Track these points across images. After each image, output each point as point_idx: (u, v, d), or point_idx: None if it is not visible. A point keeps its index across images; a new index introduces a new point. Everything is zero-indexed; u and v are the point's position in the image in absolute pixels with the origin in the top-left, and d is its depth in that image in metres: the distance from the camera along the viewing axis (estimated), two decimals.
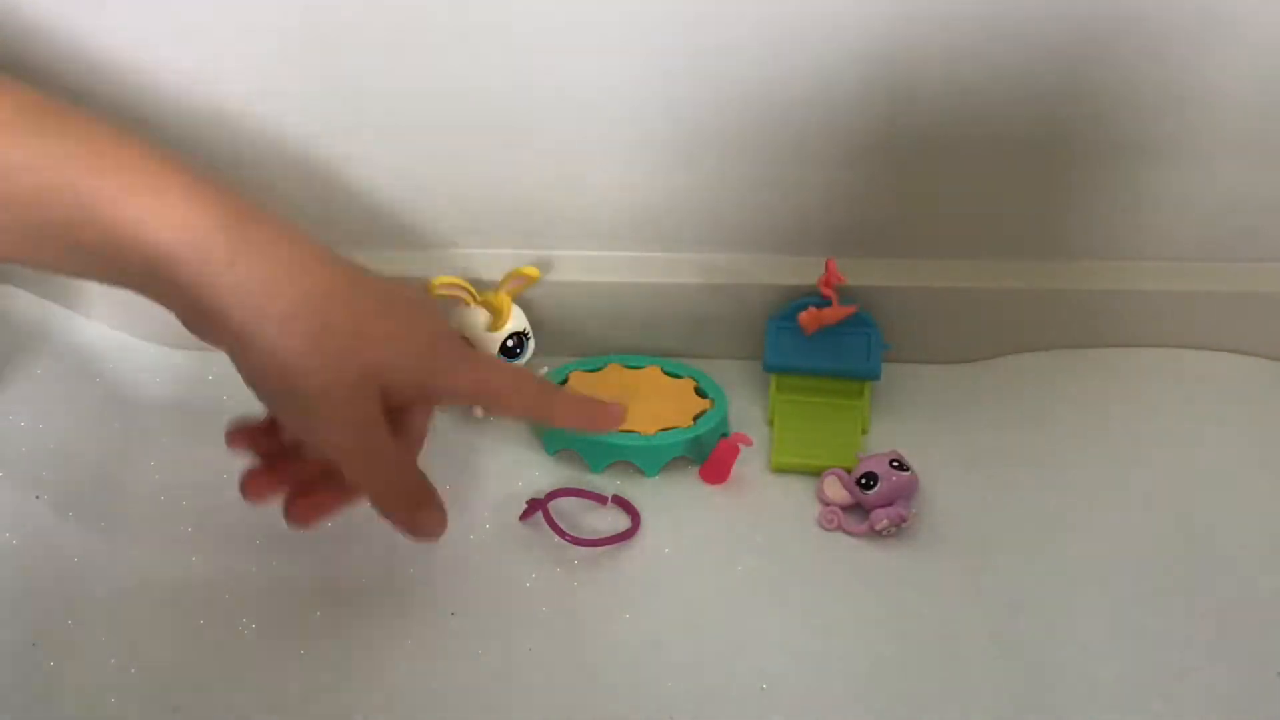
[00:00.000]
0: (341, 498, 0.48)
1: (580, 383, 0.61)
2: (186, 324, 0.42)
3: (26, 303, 0.63)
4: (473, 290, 0.58)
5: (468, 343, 0.52)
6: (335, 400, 0.42)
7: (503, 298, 0.58)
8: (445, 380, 0.46)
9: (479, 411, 0.61)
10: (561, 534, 0.54)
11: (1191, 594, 0.52)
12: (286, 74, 0.54)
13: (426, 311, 0.47)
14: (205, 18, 0.52)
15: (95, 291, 0.63)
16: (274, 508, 0.56)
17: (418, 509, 0.47)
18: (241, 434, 0.49)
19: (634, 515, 0.56)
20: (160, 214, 0.39)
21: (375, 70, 0.54)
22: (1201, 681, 0.49)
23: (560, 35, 0.52)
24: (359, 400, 0.43)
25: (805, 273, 0.60)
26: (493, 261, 0.61)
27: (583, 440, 0.57)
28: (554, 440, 0.59)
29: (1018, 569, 0.54)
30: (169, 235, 0.39)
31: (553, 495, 0.56)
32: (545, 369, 0.61)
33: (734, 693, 0.49)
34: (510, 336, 0.59)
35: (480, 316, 0.58)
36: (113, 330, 0.64)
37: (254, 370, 0.42)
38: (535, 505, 0.55)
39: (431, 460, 0.59)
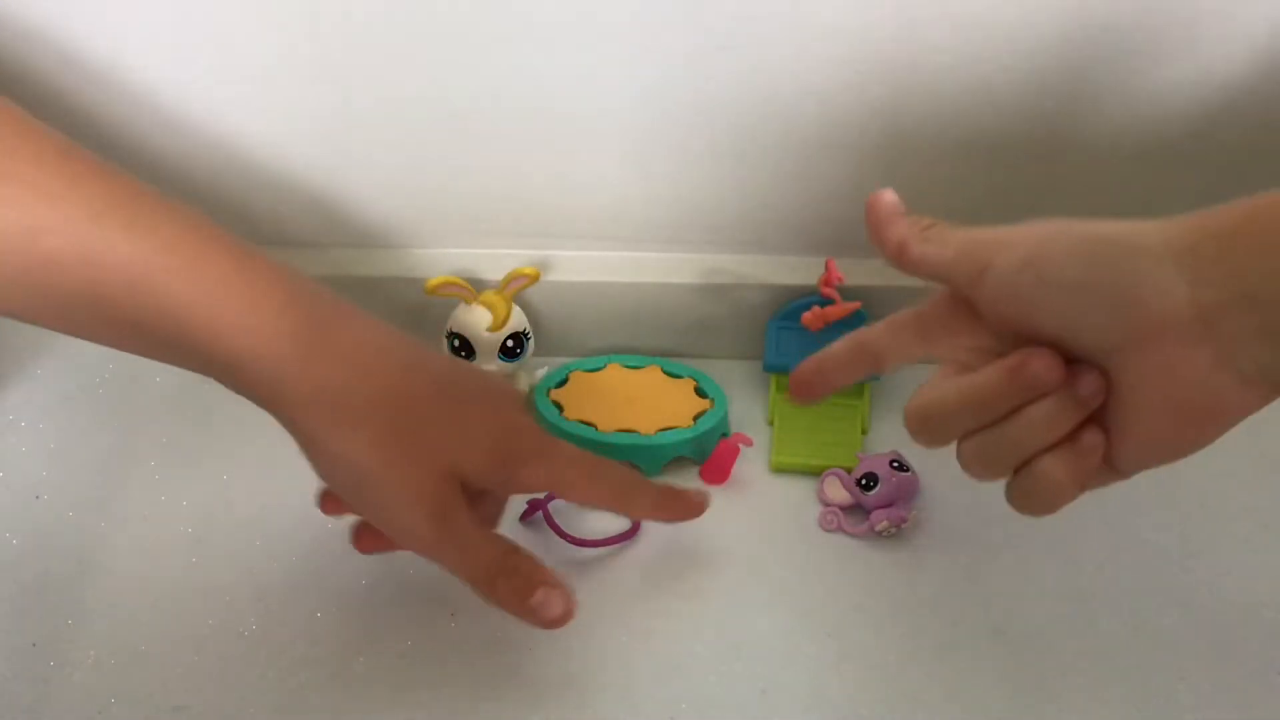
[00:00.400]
0: None
1: (580, 383, 0.61)
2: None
3: None
4: (472, 290, 0.58)
5: (544, 431, 0.48)
6: (407, 500, 0.42)
7: (503, 298, 0.58)
8: (520, 475, 0.45)
9: None
10: (562, 535, 0.54)
11: (1192, 593, 0.52)
12: (289, 75, 0.54)
13: (501, 403, 0.46)
14: (206, 18, 0.52)
15: None
16: (276, 507, 0.57)
17: (523, 589, 0.45)
18: (330, 499, 0.48)
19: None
20: (237, 320, 0.40)
21: (376, 71, 0.54)
22: (1202, 681, 0.49)
23: (561, 36, 0.52)
24: (432, 496, 0.43)
25: (805, 273, 0.60)
26: (493, 261, 0.61)
27: (583, 440, 0.57)
28: None
29: (1018, 569, 0.54)
30: (244, 340, 0.40)
31: (553, 496, 0.56)
32: (544, 368, 0.61)
33: (734, 693, 0.49)
34: (510, 336, 0.59)
35: (480, 316, 0.58)
36: None
37: (326, 470, 0.43)
38: (536, 506, 0.55)
39: None
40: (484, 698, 0.49)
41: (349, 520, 0.56)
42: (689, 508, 0.50)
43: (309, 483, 0.58)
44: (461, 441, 0.43)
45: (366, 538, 0.49)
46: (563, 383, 0.61)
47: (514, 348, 0.59)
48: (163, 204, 0.41)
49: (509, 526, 0.56)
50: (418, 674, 0.50)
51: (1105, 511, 0.56)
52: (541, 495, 0.56)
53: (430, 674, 0.50)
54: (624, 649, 0.51)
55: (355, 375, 0.41)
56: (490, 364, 0.59)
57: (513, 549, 0.45)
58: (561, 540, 0.54)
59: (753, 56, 0.52)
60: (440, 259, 0.61)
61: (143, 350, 0.42)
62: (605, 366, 0.62)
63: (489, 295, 0.58)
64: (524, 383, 0.61)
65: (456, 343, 0.59)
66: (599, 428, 0.58)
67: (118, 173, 0.40)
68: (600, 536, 0.55)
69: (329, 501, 0.48)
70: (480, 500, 0.47)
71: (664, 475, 0.58)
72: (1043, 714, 0.48)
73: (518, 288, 0.59)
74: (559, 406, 0.59)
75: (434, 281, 0.57)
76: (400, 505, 0.43)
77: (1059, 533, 0.55)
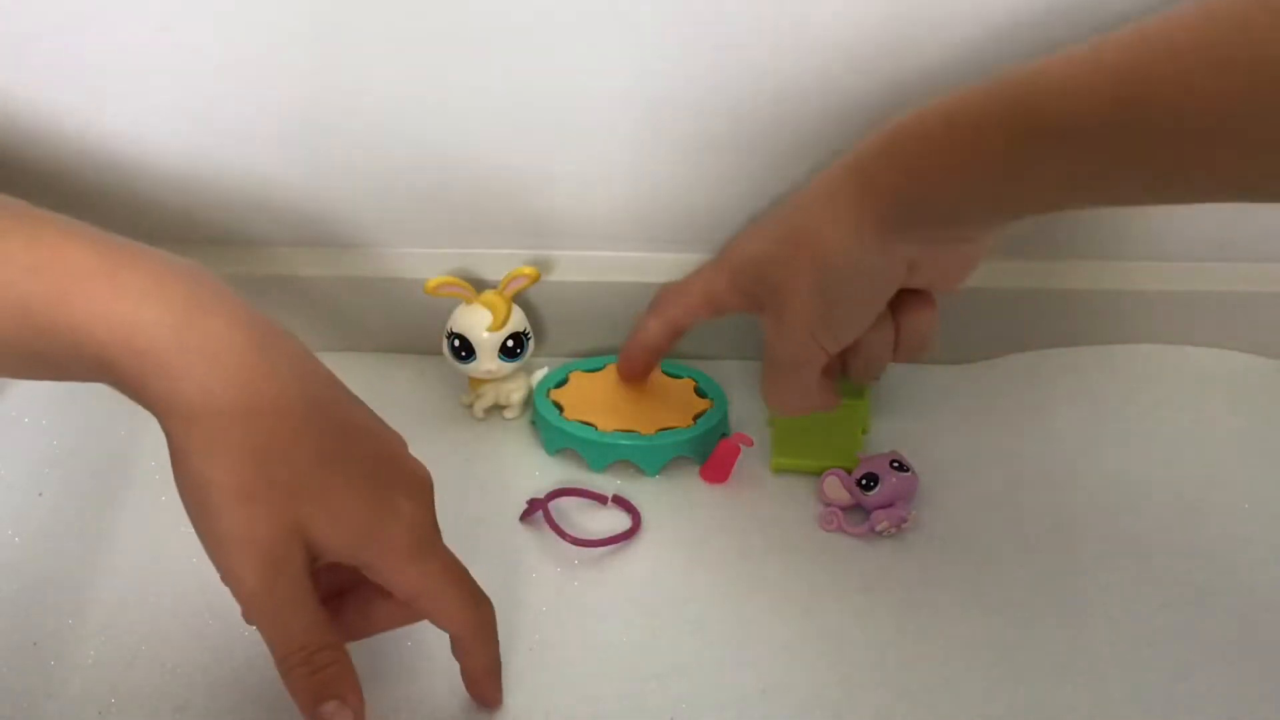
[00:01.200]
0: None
1: (580, 383, 0.61)
2: None
3: None
4: (472, 290, 0.58)
5: (434, 533, 0.44)
6: (241, 539, 0.38)
7: (503, 298, 0.58)
8: (381, 568, 0.41)
9: (479, 412, 0.61)
10: (562, 534, 0.54)
11: (1194, 593, 0.52)
12: (287, 74, 0.54)
13: (392, 479, 0.42)
14: (208, 19, 0.52)
15: None
16: None
17: (319, 690, 0.41)
18: None
19: (634, 515, 0.56)
20: (104, 314, 0.37)
21: (376, 70, 0.54)
22: (1205, 681, 0.49)
23: (562, 35, 0.52)
24: (271, 541, 0.39)
25: None
26: (493, 261, 0.61)
27: (583, 440, 0.58)
28: (554, 439, 0.59)
29: (1019, 570, 0.54)
30: (110, 336, 0.37)
31: (553, 495, 0.56)
32: (545, 369, 0.61)
33: (734, 693, 0.49)
34: (510, 337, 0.59)
35: (480, 316, 0.58)
36: None
37: (180, 483, 0.39)
38: (536, 505, 0.56)
39: (432, 460, 0.59)
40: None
41: None
42: (487, 697, 0.47)
43: None
44: (324, 508, 0.39)
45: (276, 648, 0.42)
46: (562, 383, 0.61)
47: (514, 348, 0.59)
48: (16, 205, 0.38)
49: (509, 525, 0.56)
50: (418, 674, 0.50)
51: (1106, 512, 0.56)
52: (541, 495, 0.56)
53: (431, 674, 0.50)
54: (624, 649, 0.51)
55: (220, 369, 0.37)
56: (490, 364, 0.59)
57: (329, 644, 0.41)
58: (561, 540, 0.54)
59: (753, 56, 0.52)
60: (440, 259, 0.61)
61: (21, 370, 0.39)
62: (605, 367, 0.62)
63: (489, 295, 0.58)
64: (524, 383, 0.61)
65: (457, 343, 0.59)
66: (599, 428, 0.58)
67: None
68: (600, 536, 0.55)
69: None
70: (360, 598, 0.44)
71: (664, 475, 0.58)
72: (1044, 714, 0.48)
73: (518, 288, 0.59)
74: (559, 407, 0.59)
75: (434, 281, 0.57)
76: (234, 543, 0.38)
77: (1060, 533, 0.55)
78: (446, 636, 0.46)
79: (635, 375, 0.58)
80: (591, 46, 0.52)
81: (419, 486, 0.43)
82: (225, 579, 0.40)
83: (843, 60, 0.52)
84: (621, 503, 0.57)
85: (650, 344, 0.56)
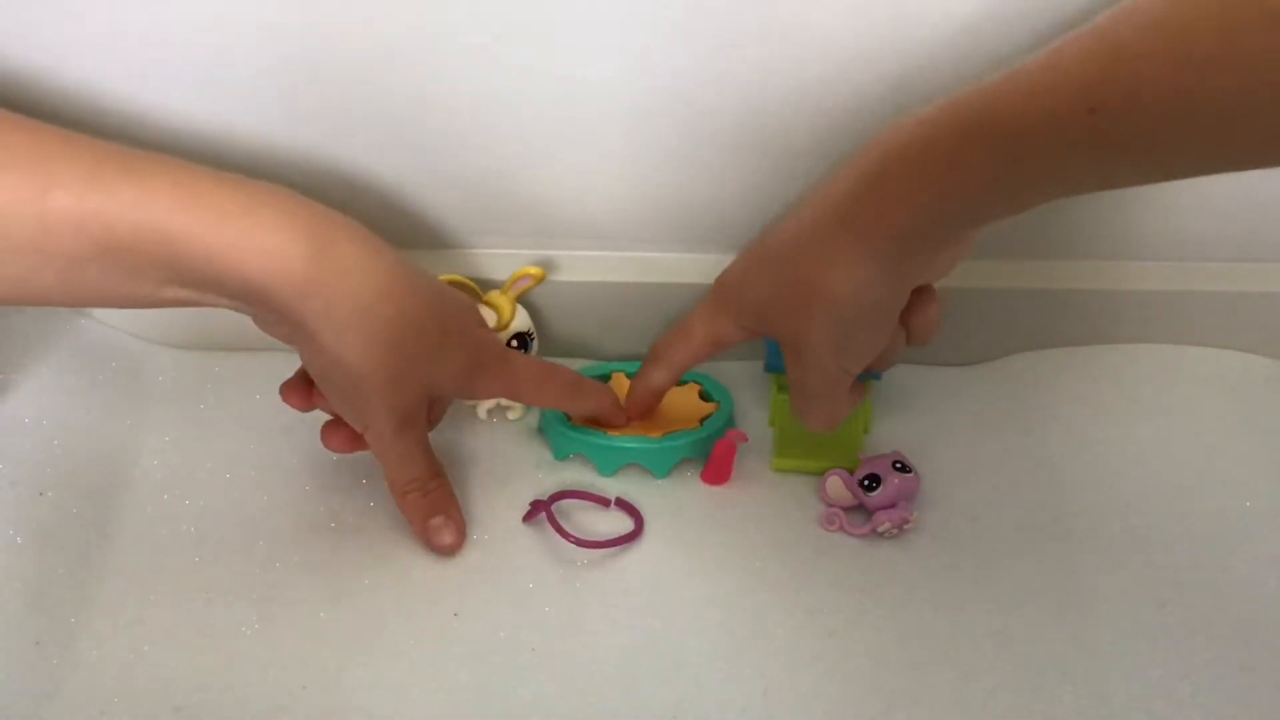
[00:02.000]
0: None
1: None
2: (264, 327, 0.49)
3: None
4: (478, 290, 0.58)
5: (502, 347, 0.55)
6: (384, 404, 0.49)
7: (507, 298, 0.58)
8: (483, 385, 0.53)
9: (482, 413, 0.61)
10: (565, 535, 0.54)
11: (1194, 592, 0.52)
12: (293, 76, 0.54)
13: (468, 321, 0.52)
14: (209, 18, 0.52)
15: None
16: (277, 508, 0.57)
17: (429, 509, 0.54)
18: (294, 392, 0.54)
19: (637, 517, 0.56)
20: (250, 246, 0.43)
21: (377, 72, 0.54)
22: (1205, 681, 0.49)
23: (563, 36, 0.52)
24: (404, 407, 0.50)
25: None
26: (498, 261, 0.61)
27: (591, 444, 0.58)
28: (562, 445, 0.59)
29: (1020, 570, 0.54)
30: (258, 263, 0.43)
31: (556, 497, 0.56)
32: None
33: (736, 694, 0.49)
34: (514, 337, 0.59)
35: (486, 316, 0.58)
36: (118, 330, 0.64)
37: (325, 368, 0.48)
38: (539, 506, 0.56)
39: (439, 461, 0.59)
40: (485, 698, 0.49)
41: (350, 520, 0.56)
42: (615, 415, 0.58)
43: (310, 483, 0.58)
44: (441, 360, 0.49)
45: (337, 438, 0.54)
46: None
47: (518, 348, 0.59)
48: (148, 155, 0.44)
49: (514, 528, 0.56)
50: (419, 674, 0.50)
51: (1106, 512, 0.56)
52: (545, 497, 0.56)
53: (432, 674, 0.50)
54: (624, 649, 0.51)
55: (356, 284, 0.45)
56: None
57: (437, 474, 0.54)
58: (564, 540, 0.54)
59: (755, 57, 0.52)
60: (445, 260, 0.61)
61: (148, 296, 0.44)
62: (610, 377, 0.62)
63: (493, 295, 0.58)
64: None
65: None
66: (607, 433, 0.58)
67: (100, 139, 0.43)
68: (603, 538, 0.55)
69: (294, 394, 0.53)
70: (432, 405, 0.54)
71: (671, 479, 0.58)
72: (1044, 715, 0.48)
73: (523, 288, 0.59)
74: (567, 414, 0.59)
75: (441, 279, 0.57)
76: (377, 407, 0.49)
77: (1061, 533, 0.55)
78: None
79: (644, 416, 0.59)
80: (595, 49, 0.52)
81: (476, 312, 0.55)
82: (365, 434, 0.51)
83: (843, 63, 0.52)
84: (624, 505, 0.57)
85: (660, 391, 0.57)
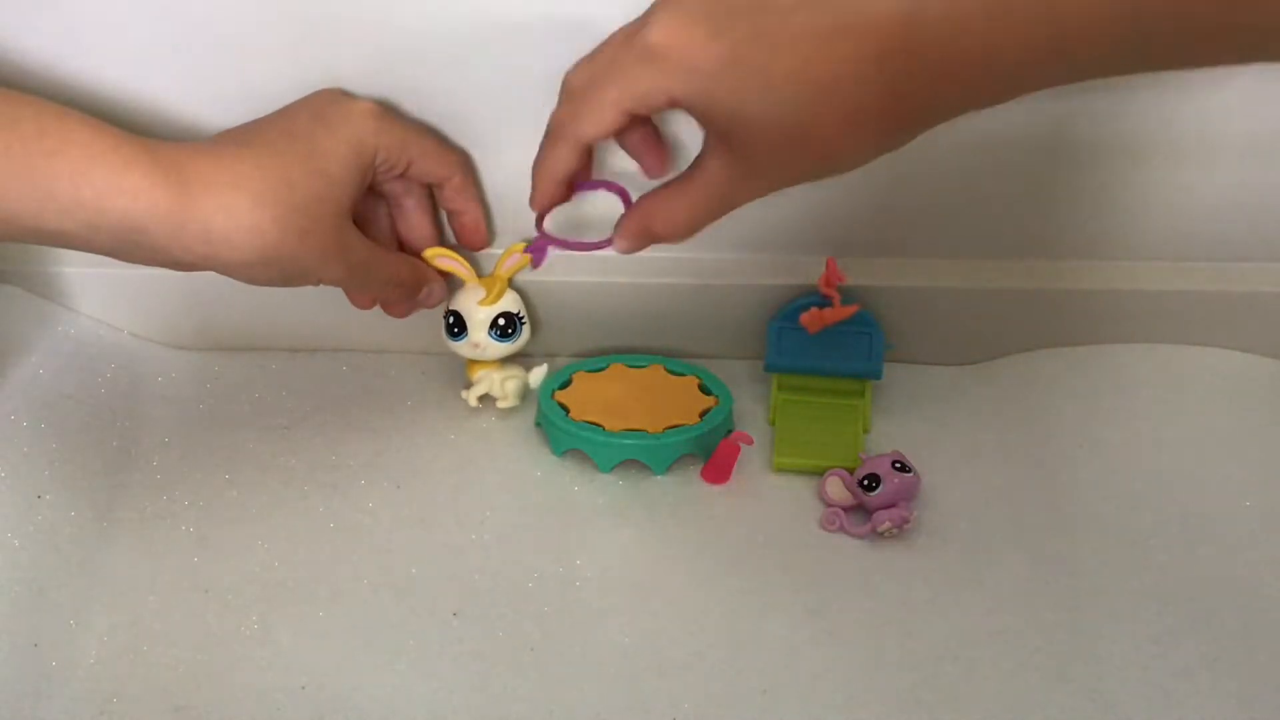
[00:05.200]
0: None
1: (584, 383, 0.61)
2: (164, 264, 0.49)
3: (28, 302, 0.63)
4: (470, 268, 0.58)
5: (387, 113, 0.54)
6: (313, 257, 0.50)
7: (497, 276, 0.58)
8: (391, 166, 0.53)
9: (472, 400, 0.61)
10: (576, 245, 0.54)
11: (1195, 592, 0.52)
12: (288, 73, 0.54)
13: (344, 108, 0.52)
14: (208, 18, 0.52)
15: (97, 291, 0.63)
16: (277, 508, 0.57)
17: (416, 293, 0.57)
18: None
19: (621, 192, 0.53)
20: (123, 186, 0.45)
21: (376, 69, 0.54)
22: (1205, 681, 0.49)
23: (562, 35, 0.52)
24: (330, 242, 0.51)
25: (805, 273, 0.60)
26: (494, 261, 0.61)
27: (590, 440, 0.57)
28: (561, 441, 0.59)
29: (1020, 570, 0.54)
30: (132, 203, 0.46)
31: (544, 242, 0.56)
32: (544, 365, 0.61)
33: (735, 694, 0.49)
34: (501, 315, 0.59)
35: (475, 294, 0.59)
36: (115, 330, 0.64)
37: (247, 277, 0.50)
38: (538, 247, 0.56)
39: (433, 460, 0.59)
40: (485, 698, 0.49)
41: (350, 520, 0.56)
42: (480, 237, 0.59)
43: (310, 483, 0.58)
44: (322, 169, 0.50)
45: (362, 300, 0.57)
46: (566, 384, 0.61)
47: (505, 327, 0.59)
48: (14, 95, 0.46)
49: (513, 527, 0.56)
50: (419, 674, 0.50)
51: (1106, 512, 0.56)
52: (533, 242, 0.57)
53: (431, 674, 0.50)
54: (624, 649, 0.51)
55: (224, 187, 0.47)
56: (479, 336, 0.59)
57: (400, 260, 0.56)
58: (580, 251, 0.54)
59: None
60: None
61: (50, 238, 0.47)
62: (608, 367, 0.62)
63: (485, 277, 0.59)
64: (518, 373, 0.61)
65: (451, 319, 0.59)
66: (606, 428, 0.58)
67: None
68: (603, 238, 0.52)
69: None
70: (397, 208, 0.56)
71: (671, 475, 0.58)
72: (1044, 715, 0.48)
73: (515, 265, 0.59)
74: (565, 408, 0.59)
75: (432, 250, 0.58)
76: (314, 266, 0.51)
77: (1061, 533, 0.55)
78: None
79: (549, 207, 0.52)
80: (592, 44, 0.52)
81: (345, 94, 0.54)
82: (327, 283, 0.53)
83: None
84: (609, 185, 0.54)
85: (566, 174, 0.49)
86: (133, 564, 0.54)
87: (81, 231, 0.46)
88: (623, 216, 0.49)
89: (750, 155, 0.44)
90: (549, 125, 0.48)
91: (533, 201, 0.51)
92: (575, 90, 0.46)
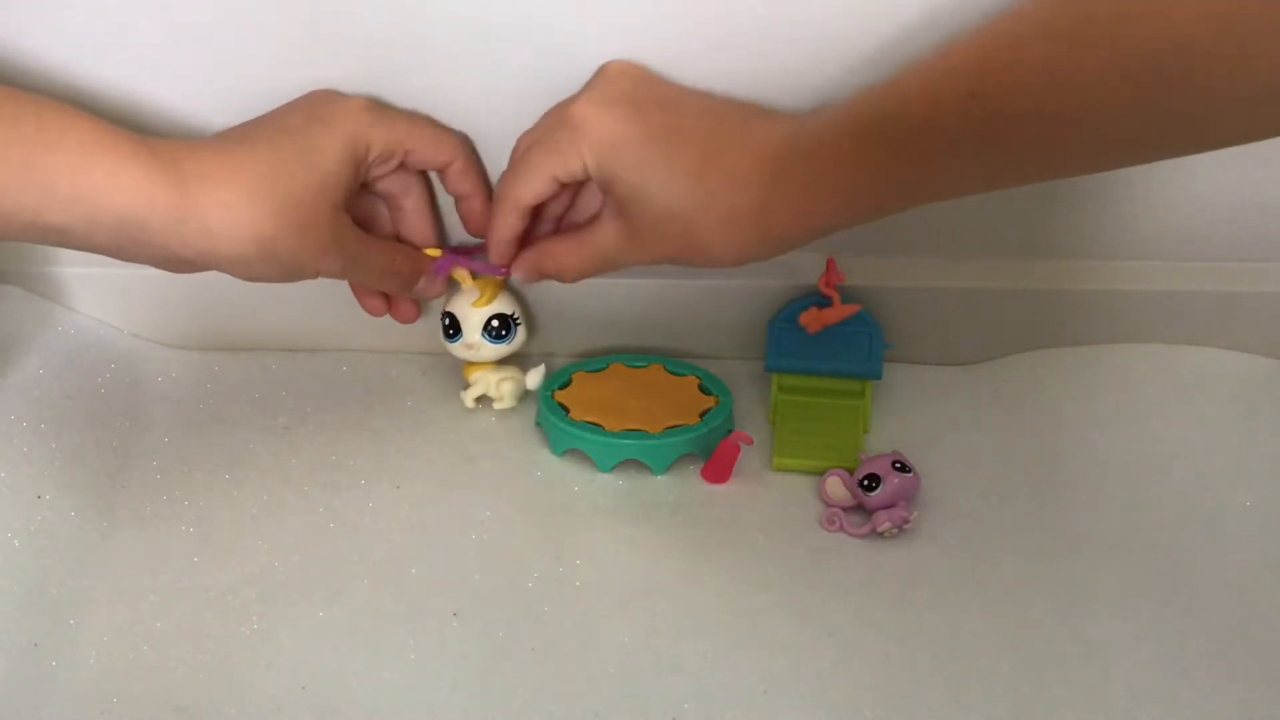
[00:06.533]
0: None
1: (584, 383, 0.61)
2: (166, 266, 0.50)
3: (28, 302, 0.63)
4: (468, 272, 0.58)
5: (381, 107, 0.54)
6: (310, 251, 0.50)
7: (492, 280, 0.58)
8: (383, 156, 0.52)
9: (469, 401, 0.61)
10: (481, 267, 0.57)
11: (1195, 592, 0.52)
12: (287, 73, 0.54)
13: (336, 104, 0.52)
14: (210, 17, 0.52)
15: (97, 291, 0.63)
16: (277, 508, 0.57)
17: (413, 283, 0.57)
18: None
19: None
20: (123, 183, 0.46)
21: (375, 70, 0.54)
22: (1205, 681, 0.49)
23: (561, 35, 0.52)
24: (330, 239, 0.51)
25: (805, 273, 0.60)
26: None
27: (590, 440, 0.58)
28: (561, 441, 0.59)
29: (1020, 570, 0.54)
30: (128, 199, 0.46)
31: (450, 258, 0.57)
32: (541, 366, 0.61)
33: (735, 694, 0.49)
34: (495, 316, 0.58)
35: (471, 295, 0.59)
36: (115, 330, 0.64)
37: (245, 273, 0.50)
38: (442, 264, 0.57)
39: (433, 461, 0.59)
40: (485, 698, 0.49)
41: (351, 520, 0.56)
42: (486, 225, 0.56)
43: (309, 483, 0.58)
44: (317, 163, 0.50)
45: (370, 301, 0.58)
46: (566, 384, 0.61)
47: (499, 328, 0.59)
48: (16, 93, 0.46)
49: (513, 526, 0.56)
50: (419, 674, 0.50)
51: (1106, 512, 0.56)
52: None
53: (431, 674, 0.50)
54: (624, 649, 0.51)
55: (235, 196, 0.47)
56: (473, 337, 0.59)
57: (395, 250, 0.56)
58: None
59: (753, 55, 0.52)
60: None
61: (40, 239, 0.47)
62: (608, 367, 0.62)
63: (482, 279, 0.59)
64: (515, 375, 0.61)
65: (446, 320, 0.59)
66: (606, 428, 0.58)
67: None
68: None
69: (371, 300, 0.58)
70: (394, 205, 0.56)
71: (671, 475, 0.58)
72: (1044, 715, 0.48)
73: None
74: (565, 408, 0.59)
75: (432, 251, 0.57)
76: (311, 259, 0.51)
77: (1061, 533, 0.55)
78: None
79: (508, 260, 0.56)
80: (594, 47, 0.52)
81: (338, 93, 0.54)
82: (324, 276, 0.53)
83: (842, 61, 0.52)
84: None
85: (515, 237, 0.54)
86: (133, 564, 0.54)
87: (81, 227, 0.46)
88: (523, 250, 0.55)
89: (639, 229, 0.50)
90: (495, 191, 0.55)
91: (491, 258, 0.56)
92: (515, 158, 0.53)
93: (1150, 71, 0.38)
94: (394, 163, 0.54)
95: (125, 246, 0.48)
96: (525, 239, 0.55)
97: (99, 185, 0.46)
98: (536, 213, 0.54)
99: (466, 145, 0.56)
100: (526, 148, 0.52)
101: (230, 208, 0.47)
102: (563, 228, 0.56)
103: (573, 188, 0.54)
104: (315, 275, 0.52)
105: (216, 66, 0.54)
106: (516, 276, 0.56)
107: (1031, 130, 0.41)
